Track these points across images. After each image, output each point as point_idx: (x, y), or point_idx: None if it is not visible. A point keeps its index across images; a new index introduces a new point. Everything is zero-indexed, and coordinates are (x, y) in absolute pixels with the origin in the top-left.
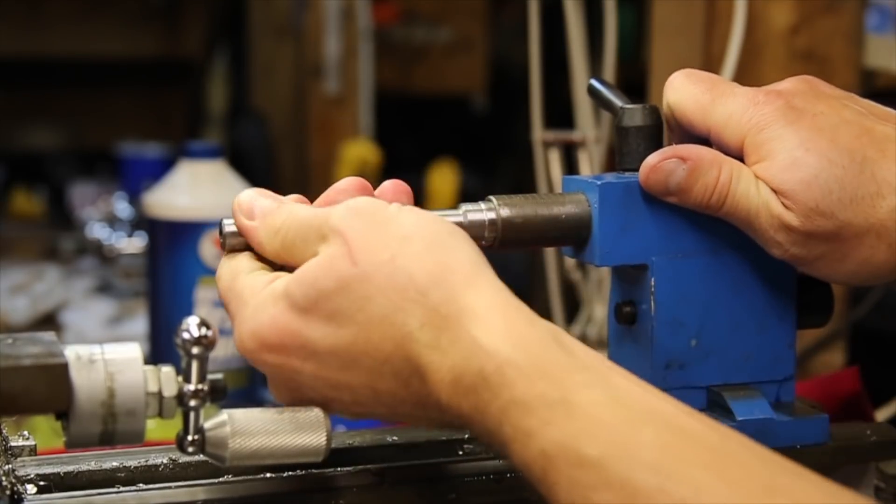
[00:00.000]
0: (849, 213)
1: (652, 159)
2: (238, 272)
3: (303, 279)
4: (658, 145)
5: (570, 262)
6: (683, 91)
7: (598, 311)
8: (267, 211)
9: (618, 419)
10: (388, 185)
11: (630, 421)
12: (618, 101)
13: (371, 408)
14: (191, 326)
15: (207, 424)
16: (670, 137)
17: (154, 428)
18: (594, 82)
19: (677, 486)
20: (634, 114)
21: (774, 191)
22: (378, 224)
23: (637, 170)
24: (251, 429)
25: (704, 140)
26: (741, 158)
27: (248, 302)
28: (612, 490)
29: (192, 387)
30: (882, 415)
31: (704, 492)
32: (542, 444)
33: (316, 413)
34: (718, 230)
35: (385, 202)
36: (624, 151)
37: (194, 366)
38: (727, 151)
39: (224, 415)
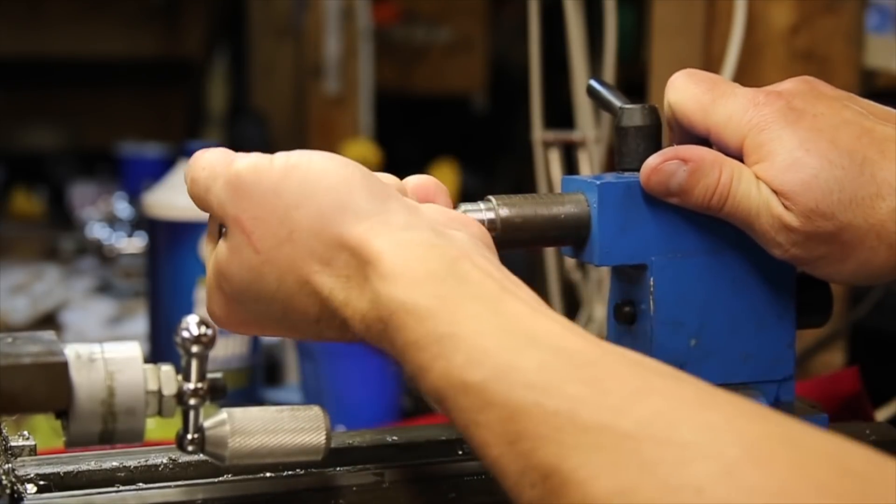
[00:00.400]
0: (849, 214)
1: (653, 160)
2: (208, 257)
3: (224, 273)
4: (657, 145)
5: (570, 262)
6: (685, 91)
7: (598, 311)
8: (189, 165)
9: (501, 346)
10: (420, 184)
11: (513, 346)
12: (617, 102)
13: (336, 342)
14: (190, 325)
15: (207, 423)
16: (671, 137)
17: (154, 428)
18: (593, 83)
19: (553, 399)
20: (633, 114)
21: (775, 191)
22: (266, 199)
23: (636, 170)
24: (251, 428)
25: (705, 140)
26: (741, 158)
27: (206, 286)
28: (493, 410)
29: (191, 385)
30: (882, 415)
31: (578, 402)
32: (434, 378)
33: (315, 412)
34: (718, 230)
35: (267, 163)
36: (623, 151)
37: (194, 364)
38: (727, 151)
39: (224, 414)
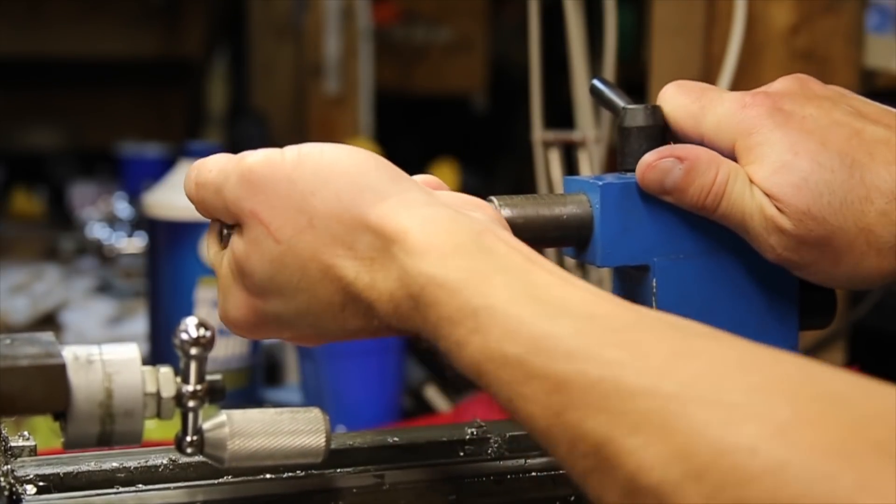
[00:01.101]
0: (839, 217)
1: (649, 157)
2: (214, 259)
3: (244, 269)
4: (660, 146)
5: (569, 262)
6: (674, 102)
7: None
8: (195, 169)
9: (536, 315)
10: (424, 181)
11: (547, 315)
12: (620, 102)
13: (358, 338)
14: (189, 327)
15: (206, 425)
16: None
17: (154, 428)
18: (596, 82)
19: (594, 366)
20: (636, 114)
21: (766, 194)
22: (281, 188)
23: None
24: (250, 430)
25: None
26: (731, 157)
27: (220, 289)
28: (535, 381)
29: (190, 387)
30: None
31: (619, 366)
32: (471, 352)
33: (315, 414)
34: (720, 231)
35: (279, 156)
36: (626, 152)
37: (193, 366)
38: (719, 150)
39: (223, 416)
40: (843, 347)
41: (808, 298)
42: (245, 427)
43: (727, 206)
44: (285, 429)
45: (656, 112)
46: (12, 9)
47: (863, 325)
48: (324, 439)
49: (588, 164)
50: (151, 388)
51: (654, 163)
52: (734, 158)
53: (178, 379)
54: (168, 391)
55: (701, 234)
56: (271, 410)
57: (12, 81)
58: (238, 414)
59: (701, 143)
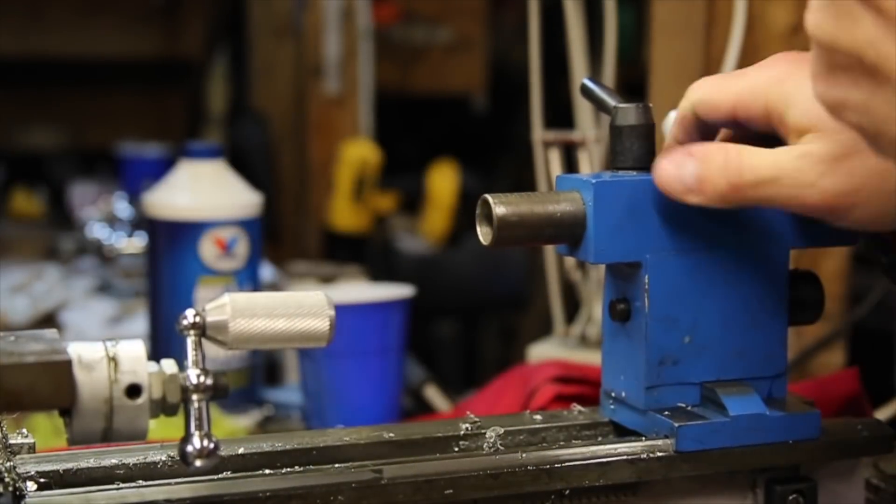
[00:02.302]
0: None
1: (665, 164)
2: None
3: None
4: (651, 144)
5: (570, 261)
6: (704, 84)
7: (598, 310)
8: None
9: None
10: None
11: None
12: (611, 101)
13: None
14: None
15: (209, 307)
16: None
17: (155, 428)
18: (587, 82)
19: None
20: (628, 113)
21: (805, 131)
22: None
23: (631, 168)
24: (252, 311)
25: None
26: (766, 123)
27: None
28: None
29: (193, 376)
30: (882, 415)
31: None
32: None
33: (319, 297)
34: (712, 228)
35: None
36: (617, 150)
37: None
38: (752, 117)
39: (225, 297)
40: (843, 347)
41: (797, 293)
42: (247, 309)
43: (750, 172)
44: (288, 311)
45: (647, 111)
46: (12, 9)
47: (863, 325)
48: (328, 323)
49: (588, 164)
50: (157, 385)
51: (668, 166)
52: (765, 114)
53: (182, 376)
54: (172, 388)
55: (693, 230)
56: (277, 293)
57: (12, 81)
58: (242, 296)
59: (730, 109)
